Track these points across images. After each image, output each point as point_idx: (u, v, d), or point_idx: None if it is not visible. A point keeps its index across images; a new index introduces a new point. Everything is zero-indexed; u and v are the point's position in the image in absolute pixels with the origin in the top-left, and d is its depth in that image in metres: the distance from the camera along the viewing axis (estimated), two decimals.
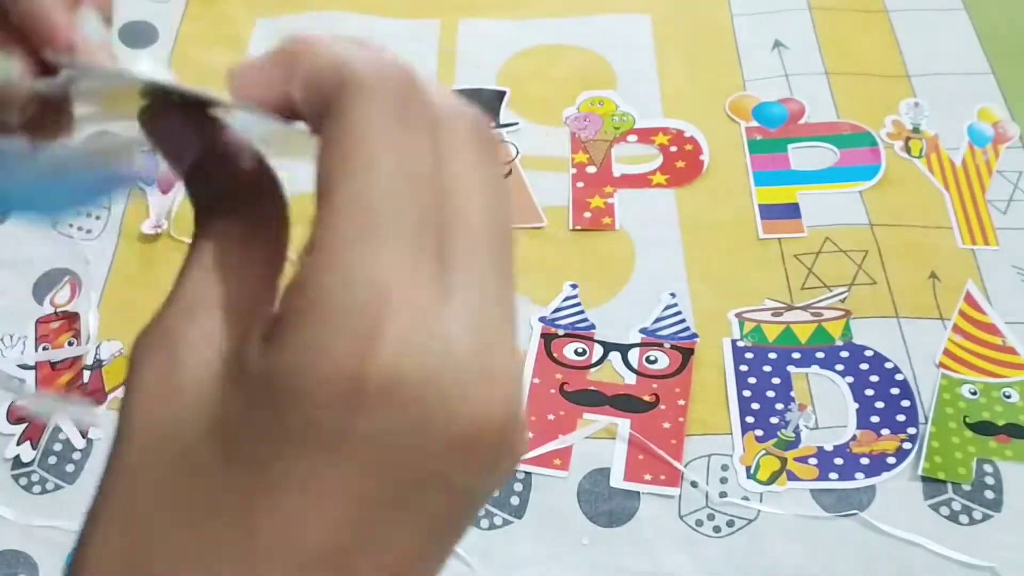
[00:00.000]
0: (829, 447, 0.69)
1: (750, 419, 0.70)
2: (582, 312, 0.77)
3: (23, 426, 0.73)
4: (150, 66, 0.24)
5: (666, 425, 0.70)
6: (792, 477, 0.68)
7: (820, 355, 0.74)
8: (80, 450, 0.72)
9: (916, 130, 0.88)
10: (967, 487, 0.66)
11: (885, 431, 0.69)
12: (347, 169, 0.22)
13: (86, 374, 0.76)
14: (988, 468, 0.67)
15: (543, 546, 0.66)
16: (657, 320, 0.77)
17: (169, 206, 0.85)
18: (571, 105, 0.92)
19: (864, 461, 0.68)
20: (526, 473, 0.69)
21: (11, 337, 0.78)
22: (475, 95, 0.93)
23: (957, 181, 0.84)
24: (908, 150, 0.86)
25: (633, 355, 0.75)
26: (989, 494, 0.66)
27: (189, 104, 0.25)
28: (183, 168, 0.26)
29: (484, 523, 0.67)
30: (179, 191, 0.86)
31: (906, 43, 0.95)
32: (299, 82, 0.23)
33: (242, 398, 0.22)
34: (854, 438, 0.69)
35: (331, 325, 0.21)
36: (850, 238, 0.80)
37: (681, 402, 0.72)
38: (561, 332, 0.76)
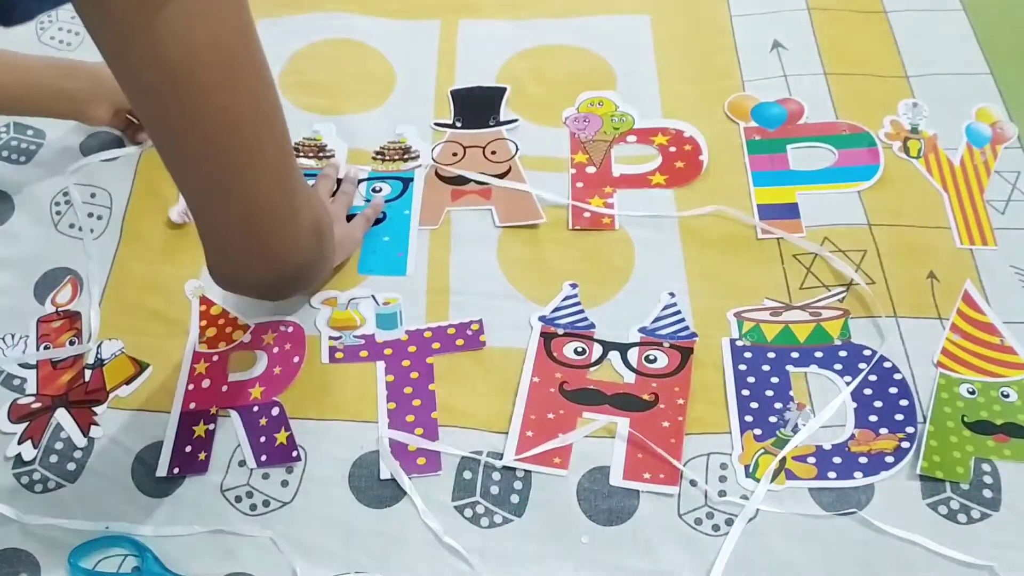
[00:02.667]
0: (828, 446, 0.69)
1: (749, 418, 0.71)
2: (582, 311, 0.78)
3: (24, 425, 0.73)
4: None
5: (665, 424, 0.71)
6: (791, 476, 0.68)
7: (819, 354, 0.74)
8: (81, 449, 0.72)
9: (914, 130, 0.88)
10: (965, 486, 0.67)
11: (883, 430, 0.70)
12: None
13: (87, 373, 0.76)
14: (986, 467, 0.67)
15: (543, 544, 0.66)
16: (656, 319, 0.77)
17: None
18: (571, 105, 0.92)
19: (863, 460, 0.68)
20: (526, 471, 0.69)
21: (12, 336, 0.79)
22: (475, 93, 0.94)
23: (955, 181, 0.84)
24: (907, 150, 0.87)
25: (632, 354, 0.75)
26: (987, 493, 0.66)
27: None
28: None
29: (484, 521, 0.67)
30: None
31: (905, 44, 0.95)
32: None
33: None
34: (852, 437, 0.69)
35: None
36: (849, 238, 0.81)
37: (680, 401, 0.72)
38: (561, 331, 0.76)
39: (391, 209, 0.85)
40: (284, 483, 0.70)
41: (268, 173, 0.53)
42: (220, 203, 0.54)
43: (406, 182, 0.87)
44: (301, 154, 0.89)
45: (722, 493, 0.67)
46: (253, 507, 0.69)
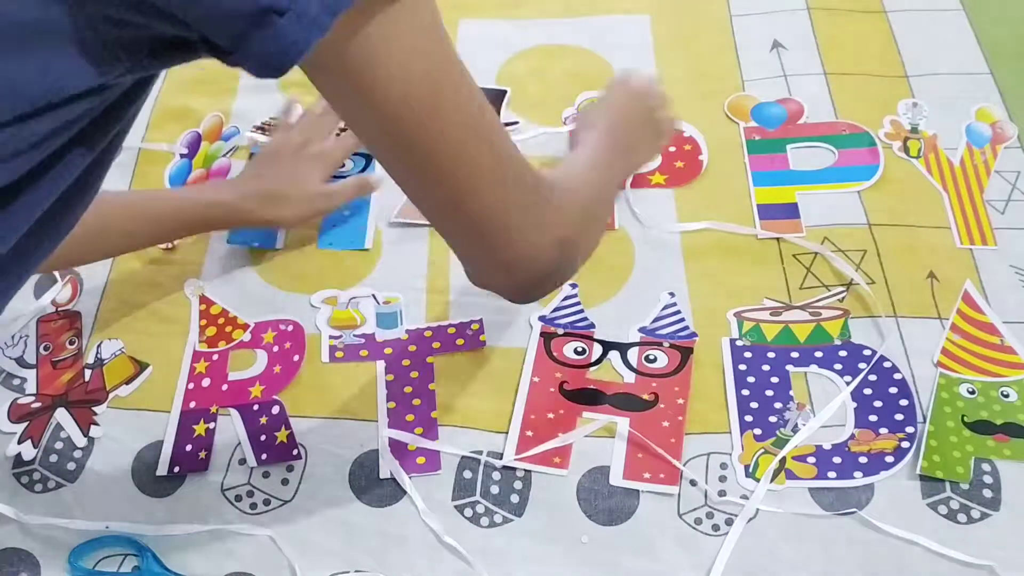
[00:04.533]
0: (828, 446, 0.69)
1: (749, 418, 0.71)
2: (582, 311, 0.78)
3: (24, 425, 0.73)
4: None
5: (665, 424, 0.71)
6: (791, 476, 0.68)
7: (819, 354, 0.74)
8: (81, 448, 0.72)
9: (914, 130, 0.88)
10: (965, 486, 0.67)
11: (883, 430, 0.69)
12: None
13: (87, 372, 0.76)
14: (986, 467, 0.67)
15: (543, 544, 0.66)
16: (656, 319, 0.77)
17: None
18: (570, 105, 0.92)
19: (862, 460, 0.68)
20: (526, 471, 0.69)
21: (12, 336, 0.79)
22: None
23: (955, 181, 0.84)
24: (906, 150, 0.87)
25: (632, 354, 0.75)
26: (987, 493, 0.66)
27: None
28: None
29: (484, 521, 0.67)
30: None
31: (905, 43, 0.95)
32: None
33: None
34: (852, 437, 0.69)
35: None
36: (849, 238, 0.81)
37: (680, 401, 0.72)
38: (561, 331, 0.76)
39: None
40: (284, 481, 0.70)
41: (491, 190, 0.53)
42: (451, 220, 0.55)
43: (368, 158, 0.89)
44: (267, 134, 0.89)
45: (722, 493, 0.67)
46: (253, 506, 0.69)
